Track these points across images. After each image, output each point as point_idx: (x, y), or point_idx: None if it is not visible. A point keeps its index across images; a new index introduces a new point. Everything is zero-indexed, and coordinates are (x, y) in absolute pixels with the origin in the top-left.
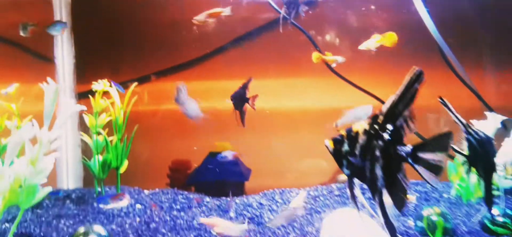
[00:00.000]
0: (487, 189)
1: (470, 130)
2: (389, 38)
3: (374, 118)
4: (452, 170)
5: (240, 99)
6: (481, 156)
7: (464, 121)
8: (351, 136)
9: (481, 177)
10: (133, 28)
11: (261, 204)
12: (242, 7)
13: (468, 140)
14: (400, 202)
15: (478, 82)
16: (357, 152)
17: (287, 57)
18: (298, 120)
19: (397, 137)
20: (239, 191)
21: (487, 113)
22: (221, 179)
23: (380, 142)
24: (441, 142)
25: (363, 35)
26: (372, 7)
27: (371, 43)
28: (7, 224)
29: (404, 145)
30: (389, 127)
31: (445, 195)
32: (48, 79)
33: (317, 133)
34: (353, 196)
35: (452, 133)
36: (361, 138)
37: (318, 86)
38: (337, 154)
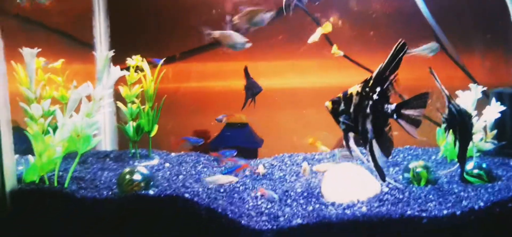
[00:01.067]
0: (461, 151)
1: (452, 101)
2: (325, 27)
3: (365, 82)
4: (439, 135)
5: (251, 89)
6: (459, 123)
7: (447, 92)
8: (346, 98)
9: (457, 139)
10: (162, 12)
11: (272, 165)
12: None
13: (449, 108)
14: (387, 150)
15: (467, 61)
16: (351, 110)
17: (293, 40)
18: (302, 97)
19: (384, 97)
20: (253, 155)
21: (471, 85)
22: (237, 145)
23: (370, 102)
24: (419, 100)
25: (363, 19)
26: None
27: (316, 36)
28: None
29: (390, 104)
30: (378, 89)
31: (433, 157)
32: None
33: (319, 108)
34: (348, 147)
35: (429, 93)
36: (355, 99)
37: (320, 66)
38: (335, 113)
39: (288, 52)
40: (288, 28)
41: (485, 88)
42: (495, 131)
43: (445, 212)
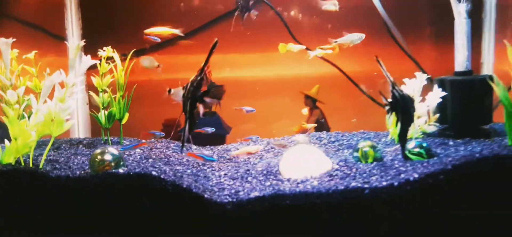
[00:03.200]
0: (402, 132)
1: (396, 87)
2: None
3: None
4: (388, 120)
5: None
6: (401, 106)
7: (392, 79)
8: (186, 86)
9: (399, 121)
10: (132, 5)
11: (237, 149)
12: None
13: (392, 92)
14: (191, 127)
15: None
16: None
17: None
18: (267, 87)
19: (198, 85)
20: (222, 142)
21: (416, 73)
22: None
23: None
24: (216, 91)
25: (322, 17)
26: None
27: (317, 53)
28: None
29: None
30: (198, 78)
31: (383, 139)
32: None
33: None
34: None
35: (223, 86)
36: (188, 85)
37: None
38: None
39: (256, 45)
40: (256, 23)
41: (429, 76)
42: (438, 115)
43: (384, 183)
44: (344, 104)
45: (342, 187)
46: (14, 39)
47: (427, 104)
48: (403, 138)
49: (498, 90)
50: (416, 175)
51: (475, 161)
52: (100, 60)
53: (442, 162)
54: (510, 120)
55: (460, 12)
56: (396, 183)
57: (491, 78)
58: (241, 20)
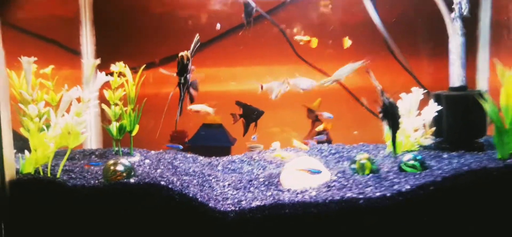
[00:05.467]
0: (393, 136)
1: (384, 95)
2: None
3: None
4: (386, 133)
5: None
6: (390, 113)
7: (380, 87)
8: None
9: (390, 127)
10: (143, 22)
11: (241, 160)
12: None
13: (382, 100)
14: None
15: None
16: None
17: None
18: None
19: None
20: (227, 153)
21: (413, 88)
22: (212, 144)
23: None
24: (192, 84)
25: (325, 30)
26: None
27: (302, 38)
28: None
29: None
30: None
31: (381, 152)
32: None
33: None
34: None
35: (196, 81)
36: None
37: (289, 70)
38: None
39: (262, 58)
40: (261, 38)
41: (425, 91)
42: (434, 128)
43: (378, 194)
44: (345, 116)
45: (338, 198)
46: (36, 58)
47: (423, 118)
48: (394, 141)
49: (487, 106)
50: (408, 186)
51: (463, 173)
52: (112, 75)
53: (433, 174)
54: (499, 134)
55: (454, 30)
56: (388, 194)
57: (481, 95)
58: (247, 30)
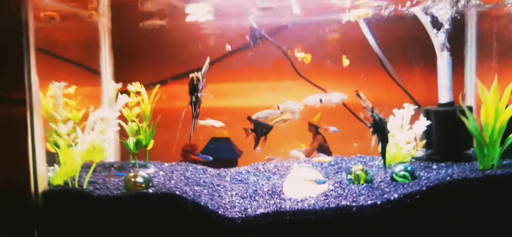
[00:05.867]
0: (383, 150)
1: (374, 111)
2: (307, 58)
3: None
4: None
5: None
6: (380, 128)
7: (370, 104)
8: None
9: (380, 140)
10: (155, 45)
11: (248, 171)
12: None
13: (373, 116)
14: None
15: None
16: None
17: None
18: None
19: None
20: (234, 164)
21: (405, 104)
22: (220, 156)
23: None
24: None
25: (323, 51)
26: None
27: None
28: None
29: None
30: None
31: (376, 163)
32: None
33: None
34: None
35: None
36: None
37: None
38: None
39: (263, 74)
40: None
41: (416, 107)
42: (425, 141)
43: (369, 202)
44: (344, 130)
45: (334, 205)
46: (66, 83)
47: (414, 132)
48: (383, 154)
49: (468, 122)
50: (396, 195)
51: (446, 183)
52: (129, 93)
53: (420, 184)
54: (479, 147)
55: (441, 49)
56: (379, 202)
57: (462, 111)
58: (252, 48)
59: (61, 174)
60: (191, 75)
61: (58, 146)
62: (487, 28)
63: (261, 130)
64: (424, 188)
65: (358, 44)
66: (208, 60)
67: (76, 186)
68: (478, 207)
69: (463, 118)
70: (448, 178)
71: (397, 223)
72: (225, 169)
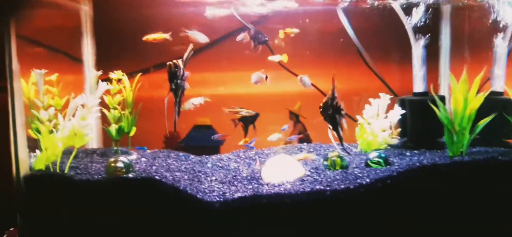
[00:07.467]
0: (337, 132)
1: (334, 98)
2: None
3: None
4: (358, 132)
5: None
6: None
7: (335, 94)
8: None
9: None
10: (138, 33)
11: (229, 158)
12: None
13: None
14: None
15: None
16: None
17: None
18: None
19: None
20: (216, 151)
21: (380, 94)
22: (202, 143)
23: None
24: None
25: (301, 41)
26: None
27: (275, 58)
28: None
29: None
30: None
31: (353, 150)
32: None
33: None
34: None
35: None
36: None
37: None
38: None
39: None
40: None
41: (392, 96)
42: (400, 129)
43: (342, 186)
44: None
45: (309, 190)
46: (47, 70)
47: (389, 120)
48: (340, 137)
49: (438, 111)
50: (368, 180)
51: (415, 168)
52: (111, 81)
53: (391, 169)
54: (448, 135)
55: (415, 41)
56: (352, 186)
57: (433, 101)
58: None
59: (42, 159)
60: (168, 62)
61: (39, 132)
62: (461, 19)
63: (248, 118)
64: (395, 173)
65: (335, 33)
66: (190, 46)
67: (58, 170)
68: (446, 192)
69: (434, 107)
70: (418, 164)
71: (369, 206)
72: (207, 156)
